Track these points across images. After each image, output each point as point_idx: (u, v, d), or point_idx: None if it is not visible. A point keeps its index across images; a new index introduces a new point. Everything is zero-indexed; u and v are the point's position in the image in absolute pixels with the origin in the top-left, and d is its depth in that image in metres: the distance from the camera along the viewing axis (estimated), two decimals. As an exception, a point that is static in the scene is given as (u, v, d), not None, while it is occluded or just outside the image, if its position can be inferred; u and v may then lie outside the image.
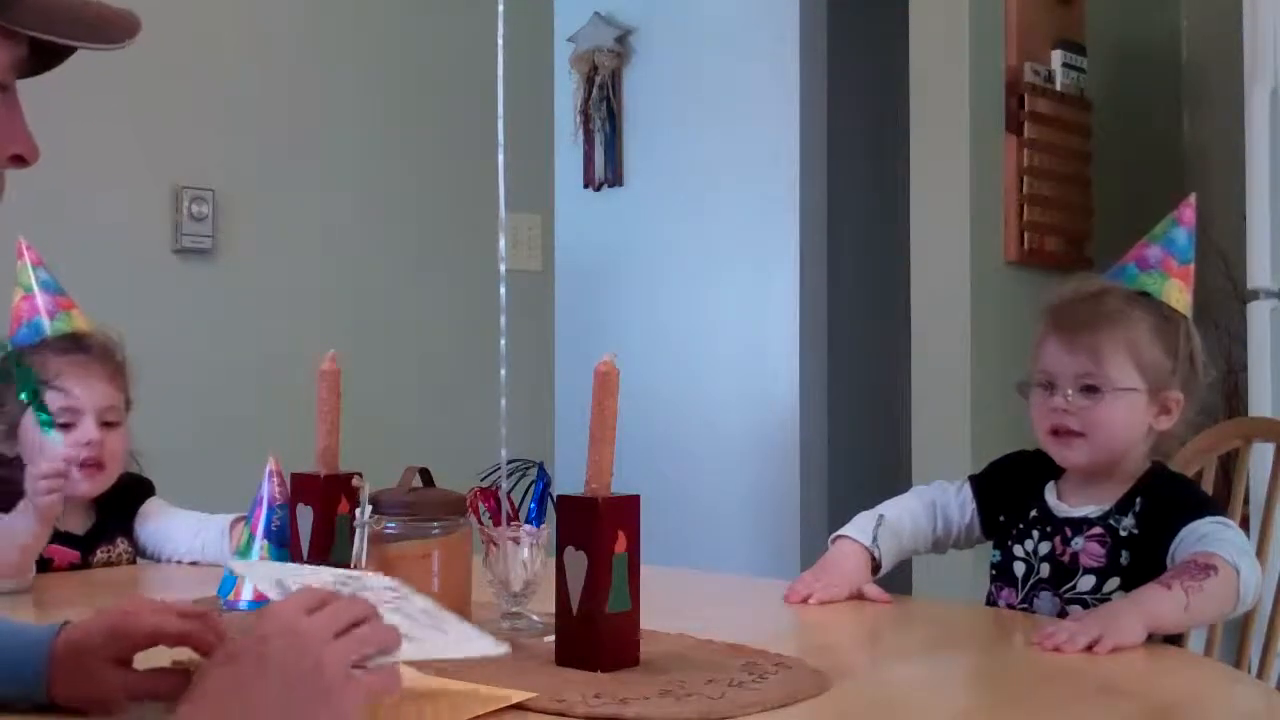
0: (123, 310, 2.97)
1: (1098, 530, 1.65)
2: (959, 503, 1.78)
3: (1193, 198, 1.74)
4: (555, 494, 1.34)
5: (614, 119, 3.76)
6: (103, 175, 2.93)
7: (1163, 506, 1.62)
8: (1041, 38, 3.26)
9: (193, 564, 1.96)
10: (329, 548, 1.52)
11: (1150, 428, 1.66)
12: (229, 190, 3.12)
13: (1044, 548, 1.69)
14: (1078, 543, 1.66)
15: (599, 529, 1.23)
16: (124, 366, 1.98)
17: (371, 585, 1.11)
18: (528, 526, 1.48)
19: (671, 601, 1.48)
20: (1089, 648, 1.34)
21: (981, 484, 1.79)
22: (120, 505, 1.98)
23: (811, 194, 3.54)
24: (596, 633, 1.23)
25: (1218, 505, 1.66)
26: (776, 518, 3.50)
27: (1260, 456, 2.07)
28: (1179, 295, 1.69)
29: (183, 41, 3.09)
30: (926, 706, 1.23)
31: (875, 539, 1.71)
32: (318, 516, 1.53)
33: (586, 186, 3.82)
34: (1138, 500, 1.65)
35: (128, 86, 2.99)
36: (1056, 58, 3.29)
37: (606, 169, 3.77)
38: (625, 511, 1.26)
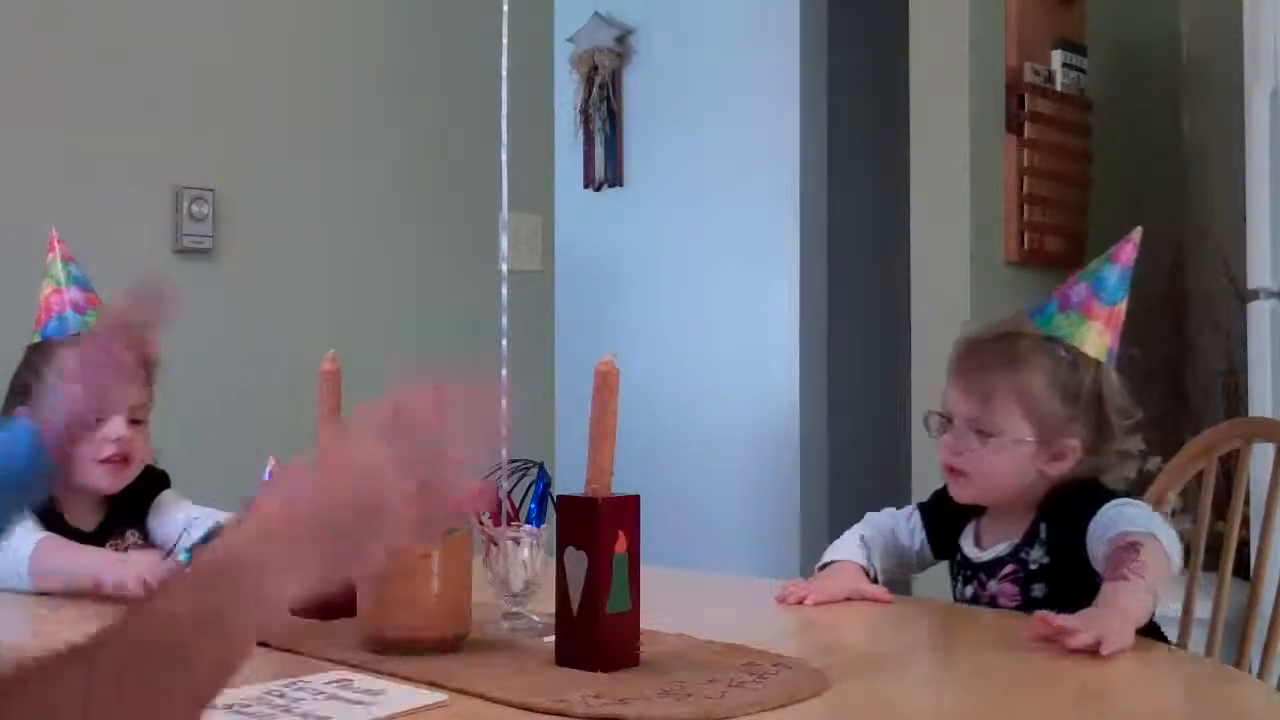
0: (123, 310, 2.97)
1: (1009, 568, 1.67)
2: (909, 529, 1.81)
3: (1136, 234, 1.71)
4: (555, 494, 1.34)
5: (614, 119, 3.76)
6: (103, 175, 2.93)
7: (1064, 524, 1.63)
8: (1041, 38, 3.26)
9: None
10: (329, 548, 1.51)
11: (1041, 472, 1.66)
12: (229, 190, 3.12)
13: (969, 591, 1.73)
14: (993, 586, 1.69)
15: (599, 529, 1.23)
16: (155, 367, 1.99)
17: (315, 684, 1.18)
18: (528, 526, 1.48)
19: (671, 601, 1.48)
20: (1090, 651, 1.34)
21: (929, 512, 1.81)
22: (131, 498, 1.98)
23: (811, 194, 3.53)
24: (596, 633, 1.23)
25: (1104, 492, 1.65)
26: (776, 518, 3.50)
27: (1260, 456, 2.07)
28: (1096, 339, 1.67)
29: (183, 42, 3.09)
30: (926, 706, 1.23)
31: (869, 555, 1.74)
32: (318, 516, 1.53)
33: (586, 186, 3.82)
34: (1041, 527, 1.66)
35: (128, 87, 2.99)
36: (1056, 58, 3.29)
37: (606, 169, 3.77)
38: (625, 511, 1.26)
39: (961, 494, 1.71)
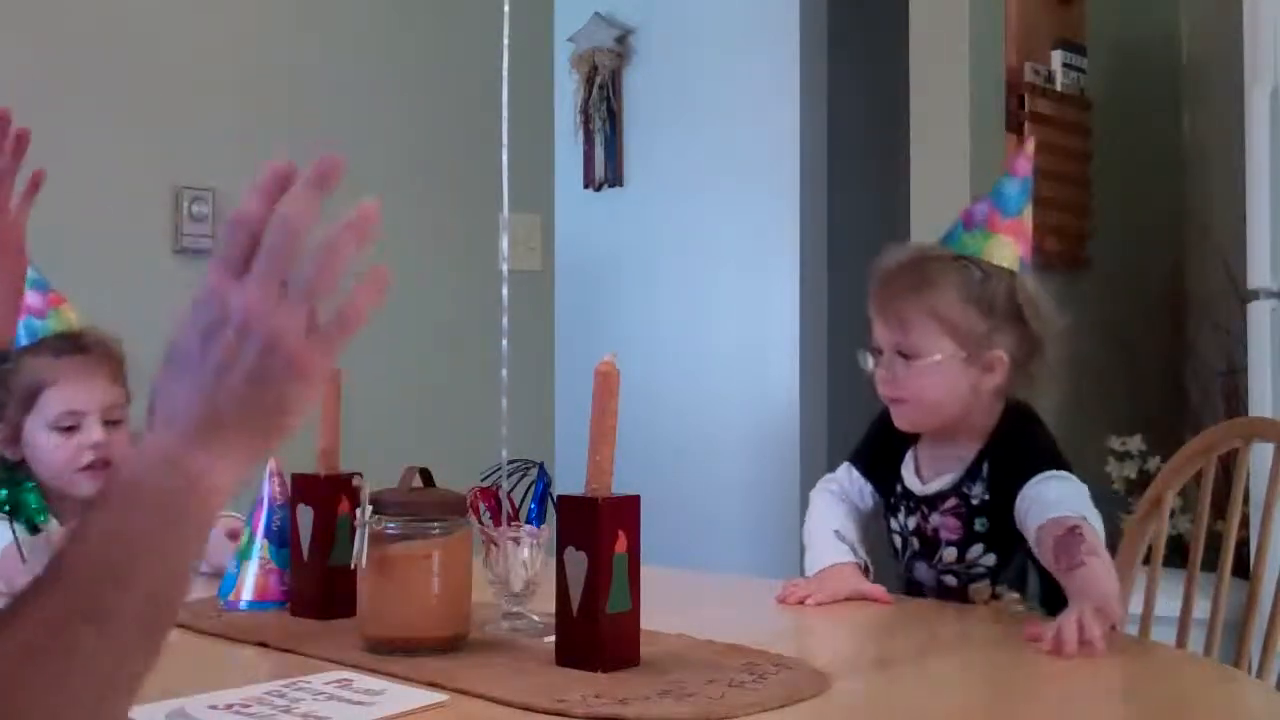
0: (123, 310, 2.96)
1: (952, 502, 1.70)
2: (857, 491, 1.84)
3: (1030, 145, 1.75)
4: (555, 494, 1.34)
5: (614, 119, 3.76)
6: (103, 175, 2.93)
7: (1004, 472, 1.66)
8: (1041, 38, 3.26)
9: None
10: (329, 548, 1.52)
11: (975, 388, 1.68)
12: (229, 190, 3.12)
13: (911, 523, 1.75)
14: (935, 519, 1.72)
15: (599, 529, 1.23)
16: (123, 363, 1.97)
17: (314, 685, 1.18)
18: (528, 526, 1.48)
19: (671, 601, 1.48)
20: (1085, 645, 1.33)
21: (864, 461, 1.84)
22: None
23: (811, 194, 3.53)
24: (596, 633, 1.23)
25: (1048, 456, 1.65)
26: (776, 518, 3.50)
27: (1260, 456, 2.07)
28: (1005, 250, 1.69)
29: (183, 41, 3.09)
30: (926, 706, 1.23)
31: (854, 550, 1.75)
32: (318, 516, 1.53)
33: (586, 186, 3.82)
34: (984, 466, 1.69)
35: (128, 87, 2.99)
36: (1056, 58, 3.29)
37: (606, 169, 3.77)
38: (625, 511, 1.26)
39: (903, 421, 1.73)
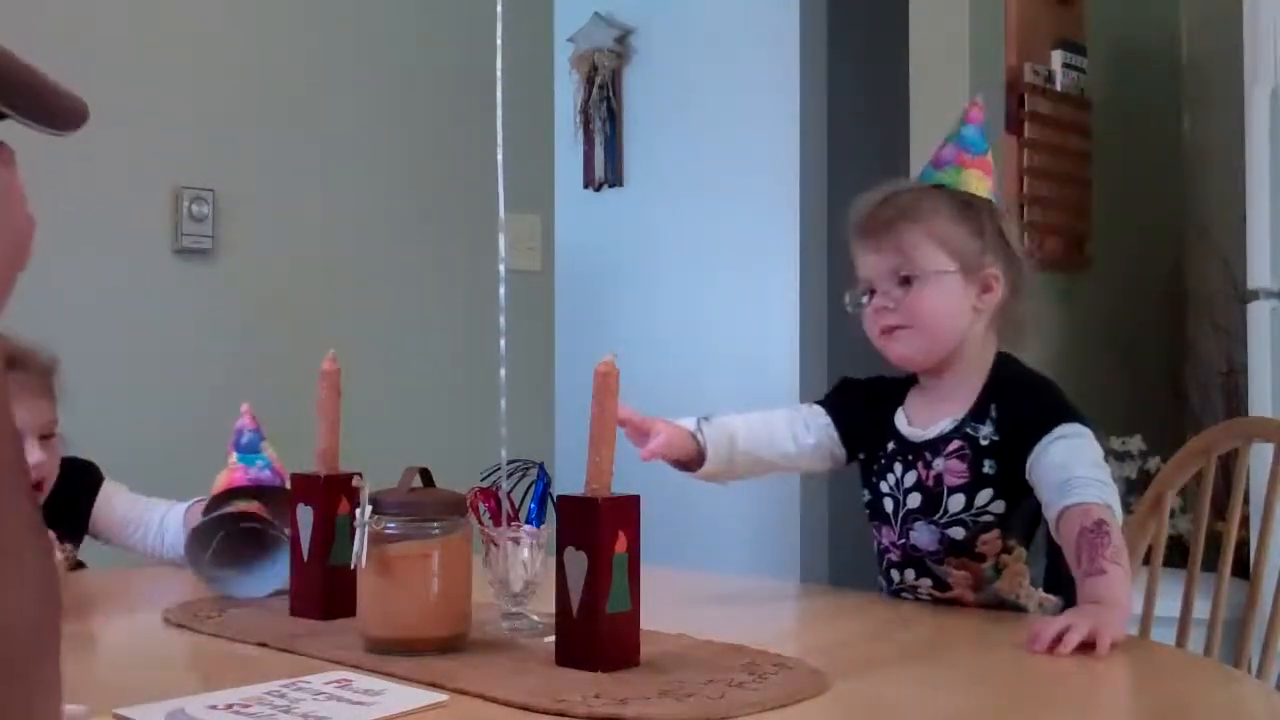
0: (123, 310, 2.97)
1: (956, 444, 1.65)
2: (806, 418, 1.79)
3: (979, 98, 1.79)
4: (555, 494, 1.34)
5: (614, 119, 3.76)
6: (103, 175, 2.93)
7: (1018, 415, 1.62)
8: (1041, 38, 3.26)
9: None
10: (329, 548, 1.52)
11: (975, 309, 1.67)
12: (229, 190, 3.12)
13: (909, 478, 1.69)
14: (939, 464, 1.66)
15: (599, 529, 1.23)
16: (54, 374, 1.91)
17: (314, 685, 1.18)
18: (528, 526, 1.48)
19: (671, 601, 1.48)
20: (1088, 647, 1.34)
21: (832, 402, 1.80)
22: (58, 503, 1.89)
23: (811, 194, 3.54)
24: (596, 633, 1.23)
25: (1065, 406, 1.62)
26: (776, 518, 3.50)
27: (1260, 456, 2.07)
28: (978, 183, 1.71)
29: (183, 42, 3.09)
30: (926, 706, 1.23)
31: (699, 426, 1.73)
32: (318, 517, 1.53)
33: (586, 186, 3.82)
34: (992, 407, 1.65)
35: (128, 87, 2.99)
36: (1056, 58, 3.29)
37: (606, 169, 3.77)
38: (625, 511, 1.26)
39: (904, 350, 1.69)
